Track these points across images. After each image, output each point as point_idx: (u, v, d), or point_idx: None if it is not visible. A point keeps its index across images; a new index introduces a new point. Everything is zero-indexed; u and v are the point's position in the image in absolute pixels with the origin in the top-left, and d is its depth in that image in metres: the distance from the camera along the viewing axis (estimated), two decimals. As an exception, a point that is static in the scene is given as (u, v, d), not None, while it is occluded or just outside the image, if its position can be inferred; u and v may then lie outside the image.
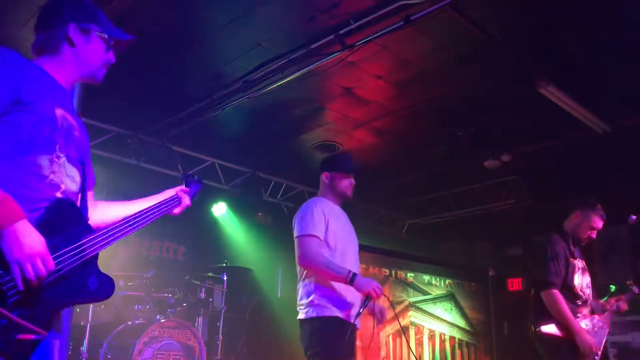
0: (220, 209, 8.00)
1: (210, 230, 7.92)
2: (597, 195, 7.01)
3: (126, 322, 5.37)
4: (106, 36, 2.12)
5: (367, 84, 5.60)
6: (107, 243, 1.96)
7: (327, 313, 3.31)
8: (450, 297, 8.29)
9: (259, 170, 7.98)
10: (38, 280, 1.67)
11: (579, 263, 4.23)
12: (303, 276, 3.54)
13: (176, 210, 2.42)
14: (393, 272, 7.81)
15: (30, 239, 1.66)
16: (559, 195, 7.33)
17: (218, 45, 5.03)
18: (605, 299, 4.64)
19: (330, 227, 3.53)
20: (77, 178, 2.00)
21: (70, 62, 2.05)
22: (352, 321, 3.36)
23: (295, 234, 3.56)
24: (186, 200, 2.47)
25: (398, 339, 7.48)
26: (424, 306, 7.94)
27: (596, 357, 3.92)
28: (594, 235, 4.29)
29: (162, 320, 5.35)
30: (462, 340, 8.18)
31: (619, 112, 5.88)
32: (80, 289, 1.85)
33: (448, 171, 7.63)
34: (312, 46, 4.87)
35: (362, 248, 6.67)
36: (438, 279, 8.20)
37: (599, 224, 4.26)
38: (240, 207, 8.09)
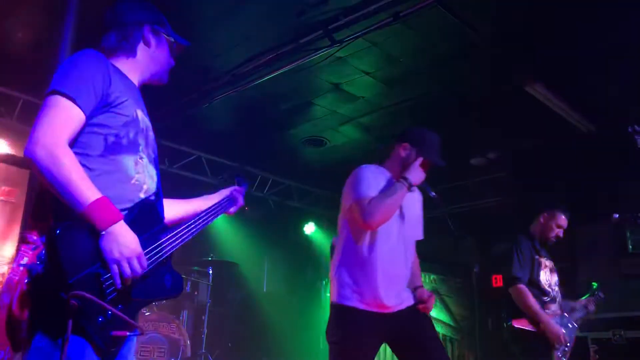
0: (206, 203, 7.95)
1: (196, 223, 7.87)
2: (581, 193, 7.11)
3: (110, 315, 5.34)
4: (172, 39, 2.21)
5: (355, 80, 5.61)
6: (181, 242, 2.05)
7: (345, 302, 2.89)
8: (434, 292, 8.33)
9: (245, 164, 7.96)
10: (134, 278, 1.75)
11: (546, 262, 4.33)
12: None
13: (232, 210, 2.51)
14: (379, 267, 7.84)
15: (128, 239, 1.74)
16: (545, 193, 7.40)
17: (206, 38, 5.01)
18: (586, 296, 4.72)
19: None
20: (155, 177, 2.07)
21: (144, 63, 2.13)
22: (384, 309, 2.89)
23: (348, 204, 3.04)
24: (241, 200, 2.55)
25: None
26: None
27: (566, 348, 4.01)
28: (561, 233, 4.39)
29: (146, 314, 5.33)
30: (446, 335, 8.23)
31: (604, 111, 5.94)
32: (158, 286, 1.92)
33: (434, 168, 7.65)
34: (301, 41, 4.87)
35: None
36: (423, 275, 8.22)
37: (565, 222, 4.37)
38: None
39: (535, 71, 5.23)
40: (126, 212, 1.84)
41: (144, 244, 1.81)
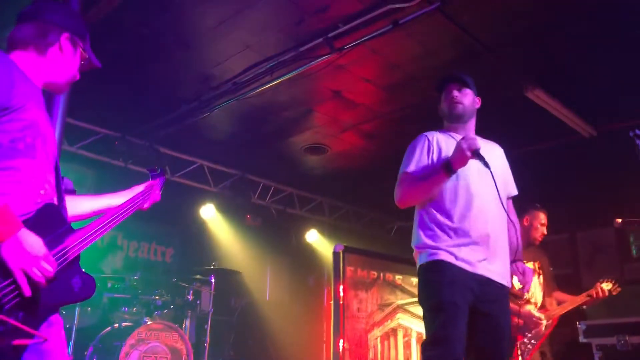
0: (208, 211, 7.97)
1: (198, 232, 7.89)
2: (583, 198, 7.10)
3: (112, 324, 5.34)
4: (87, 56, 2.16)
5: (356, 87, 5.62)
6: (88, 243, 1.98)
7: (434, 257, 2.75)
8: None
9: (247, 173, 7.97)
10: (47, 281, 1.71)
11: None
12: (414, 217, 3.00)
13: (145, 205, 2.40)
14: (381, 274, 7.82)
15: (31, 243, 1.69)
16: (546, 198, 7.39)
17: (207, 47, 5.02)
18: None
19: (439, 159, 2.88)
20: (53, 180, 2.02)
21: (51, 67, 2.05)
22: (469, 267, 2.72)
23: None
24: (155, 194, 2.46)
25: (386, 342, 7.49)
26: (412, 308, 7.95)
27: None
28: (545, 231, 4.64)
29: (149, 323, 5.32)
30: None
31: (605, 115, 5.94)
32: (66, 290, 1.87)
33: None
34: (301, 49, 4.88)
35: (350, 250, 6.71)
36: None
37: (545, 219, 4.63)
38: (229, 209, 8.08)
39: (536, 76, 5.23)
40: (27, 216, 1.80)
41: (48, 247, 1.78)
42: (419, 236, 2.87)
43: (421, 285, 2.84)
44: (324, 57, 4.85)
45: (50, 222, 1.88)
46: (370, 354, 7.32)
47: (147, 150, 6.83)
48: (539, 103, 5.44)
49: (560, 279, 4.93)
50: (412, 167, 2.91)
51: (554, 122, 5.84)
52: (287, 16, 4.55)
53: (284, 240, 8.87)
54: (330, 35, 4.67)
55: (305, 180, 8.40)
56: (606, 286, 4.65)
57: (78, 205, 2.23)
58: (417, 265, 2.88)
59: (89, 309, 5.45)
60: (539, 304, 4.51)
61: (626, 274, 6.91)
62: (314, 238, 9.15)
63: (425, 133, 3.06)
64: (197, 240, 7.86)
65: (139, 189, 2.41)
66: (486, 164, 2.76)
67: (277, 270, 8.90)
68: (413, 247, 2.93)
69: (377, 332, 7.41)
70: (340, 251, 6.53)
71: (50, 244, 1.79)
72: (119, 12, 4.43)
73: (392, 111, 6.10)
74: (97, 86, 5.46)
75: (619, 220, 4.63)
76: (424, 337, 2.76)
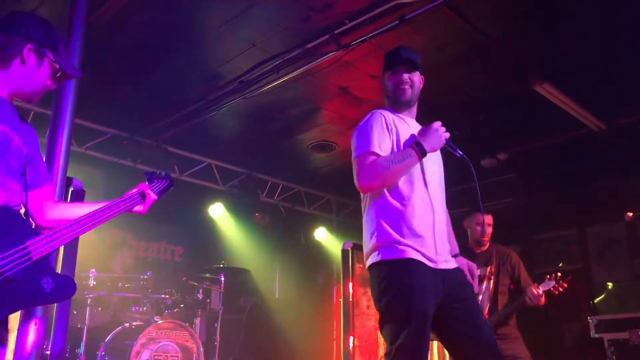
0: (217, 210, 7.98)
1: (207, 231, 7.90)
2: (593, 192, 7.06)
3: (123, 323, 5.36)
4: (57, 66, 2.16)
5: (363, 84, 5.60)
6: (55, 244, 1.99)
7: (402, 255, 2.51)
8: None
9: (255, 171, 7.97)
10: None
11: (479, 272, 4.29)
12: (365, 205, 2.77)
13: (138, 208, 2.39)
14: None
15: None
16: (556, 194, 7.35)
17: (213, 46, 5.03)
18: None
19: (399, 139, 2.72)
20: (16, 186, 2.04)
21: (15, 78, 2.09)
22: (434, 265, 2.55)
23: (352, 156, 2.74)
24: (151, 196, 2.44)
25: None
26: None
27: None
28: (488, 229, 4.46)
29: (159, 322, 5.33)
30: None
31: (615, 109, 5.90)
32: (33, 291, 1.88)
33: (444, 170, 7.64)
34: (308, 46, 4.87)
35: (360, 248, 6.69)
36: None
37: (481, 217, 4.43)
38: (237, 207, 8.08)
39: (544, 70, 5.20)
40: None
41: (3, 249, 1.80)
42: (380, 227, 2.58)
43: (383, 287, 2.50)
44: (330, 54, 4.85)
45: (6, 225, 1.90)
46: (380, 351, 7.32)
47: (155, 150, 6.84)
48: (548, 97, 5.41)
49: (571, 274, 4.87)
50: (375, 147, 2.61)
51: (563, 116, 5.80)
52: (293, 14, 4.54)
53: (292, 239, 8.87)
54: (336, 32, 4.66)
55: (313, 178, 8.40)
56: (545, 286, 4.43)
57: (71, 211, 2.25)
58: (374, 261, 2.58)
59: (99, 308, 5.47)
60: (483, 311, 4.28)
61: (636, 268, 6.86)
62: (323, 236, 9.15)
63: (379, 111, 2.86)
64: (206, 239, 7.88)
65: (131, 192, 2.40)
66: (459, 152, 2.74)
67: (286, 269, 8.91)
68: (369, 241, 2.63)
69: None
70: (349, 248, 6.52)
71: (5, 246, 1.82)
72: (124, 13, 4.44)
73: (400, 107, 6.07)
74: (104, 87, 5.48)
75: (630, 214, 4.60)
76: (387, 344, 2.47)
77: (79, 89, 3.40)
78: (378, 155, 2.58)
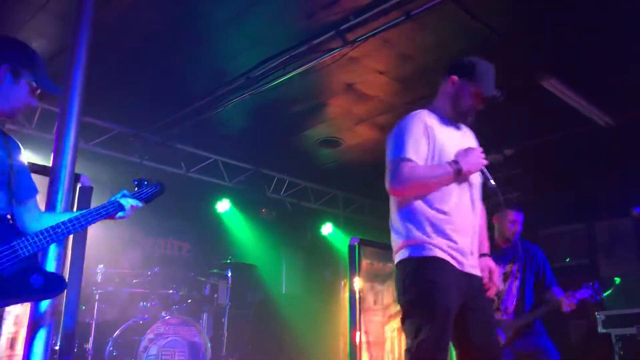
0: (224, 206, 8.02)
1: (214, 227, 7.93)
2: (601, 187, 7.03)
3: (131, 319, 5.39)
4: (34, 85, 2.26)
5: (369, 80, 5.60)
6: (42, 244, 2.12)
7: (429, 253, 2.54)
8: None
9: (262, 167, 7.99)
10: None
11: (500, 269, 4.27)
12: (395, 203, 2.81)
13: (120, 214, 2.44)
14: (397, 267, 7.82)
15: None
16: (563, 189, 7.33)
17: (219, 42, 5.04)
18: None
19: (437, 144, 2.70)
20: (3, 195, 2.18)
21: None
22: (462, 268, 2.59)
23: (387, 158, 2.78)
24: (130, 203, 2.48)
25: (403, 334, 7.49)
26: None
27: None
28: (518, 227, 4.36)
29: (167, 317, 5.36)
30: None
31: (622, 104, 5.86)
32: (21, 287, 2.02)
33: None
34: (313, 42, 4.87)
35: (366, 243, 6.71)
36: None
37: (514, 215, 4.37)
38: (244, 203, 8.11)
39: (551, 65, 5.17)
40: None
41: None
42: (408, 227, 2.62)
43: (408, 283, 2.55)
44: (336, 50, 4.85)
45: None
46: (388, 346, 7.33)
47: (162, 147, 6.87)
48: (554, 92, 5.39)
49: (578, 269, 4.86)
50: (411, 154, 2.62)
51: (570, 111, 5.78)
52: (299, 10, 4.54)
53: (299, 234, 8.89)
54: (342, 27, 4.66)
55: (320, 174, 8.40)
56: (582, 294, 4.40)
57: (53, 220, 2.32)
58: (401, 258, 2.61)
59: (108, 304, 5.51)
60: (509, 310, 4.24)
61: (645, 263, 6.84)
62: (329, 231, 9.16)
63: (419, 113, 2.83)
64: (213, 234, 7.91)
65: (113, 200, 2.47)
66: (492, 184, 2.79)
67: (293, 264, 8.93)
68: (398, 239, 2.67)
69: (394, 325, 7.41)
70: (356, 244, 6.51)
71: None
72: (131, 10, 4.46)
73: (406, 103, 6.06)
74: (111, 84, 5.50)
75: (637, 210, 4.57)
76: (408, 340, 2.53)
77: (86, 86, 3.41)
78: (412, 162, 2.61)
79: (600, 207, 7.17)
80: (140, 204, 2.53)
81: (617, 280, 6.87)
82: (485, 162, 2.72)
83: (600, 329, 5.35)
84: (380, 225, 10.25)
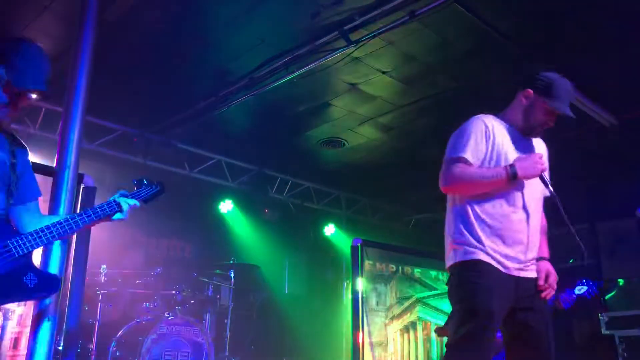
0: (226, 206, 8.01)
1: (217, 227, 7.93)
2: (604, 187, 7.01)
3: (134, 319, 5.39)
4: (5, 78, 2.23)
5: (373, 80, 5.59)
6: (37, 244, 2.13)
7: (473, 256, 2.61)
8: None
9: (265, 167, 7.99)
10: None
11: None
12: (450, 206, 2.85)
13: (118, 215, 2.43)
14: (400, 268, 7.80)
15: None
16: (566, 189, 7.30)
17: (223, 42, 5.03)
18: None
19: (496, 148, 2.73)
20: (2, 198, 2.21)
21: None
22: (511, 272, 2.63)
23: (445, 156, 2.80)
24: (128, 203, 2.48)
25: (406, 335, 7.48)
26: (431, 302, 7.92)
27: None
28: None
29: (170, 318, 5.36)
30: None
31: (626, 105, 5.84)
32: (15, 286, 2.04)
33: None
34: (317, 42, 4.87)
35: (368, 244, 6.70)
36: (445, 275, 8.16)
37: None
38: (247, 204, 8.11)
39: (555, 65, 5.15)
40: None
41: None
42: (458, 230, 2.70)
43: (455, 285, 2.68)
44: (340, 50, 4.84)
45: None
46: (390, 348, 7.32)
47: (165, 147, 6.87)
48: (559, 92, 5.37)
49: (581, 270, 4.85)
50: (468, 153, 2.65)
51: (574, 111, 5.75)
52: (302, 10, 4.54)
53: (301, 235, 8.88)
54: (346, 27, 4.65)
55: (322, 174, 8.40)
56: (580, 290, 4.39)
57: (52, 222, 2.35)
58: (452, 262, 2.71)
59: (111, 304, 5.51)
60: None
61: (648, 264, 6.82)
62: (332, 232, 9.15)
63: (481, 117, 2.86)
64: (216, 235, 7.90)
65: (110, 200, 2.47)
66: (550, 189, 2.79)
67: (296, 265, 8.92)
68: (447, 243, 2.78)
69: (397, 326, 7.40)
70: (359, 245, 6.51)
71: None
72: (135, 10, 4.46)
73: (410, 103, 6.06)
74: (115, 84, 5.50)
75: (641, 210, 4.55)
76: (449, 336, 2.64)
77: (89, 86, 3.42)
78: (468, 162, 2.64)
79: (604, 207, 7.15)
80: (138, 204, 2.53)
81: (621, 281, 6.85)
82: (544, 167, 2.71)
83: (604, 331, 5.33)
84: (383, 226, 10.29)
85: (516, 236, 2.65)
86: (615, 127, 6.12)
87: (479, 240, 2.61)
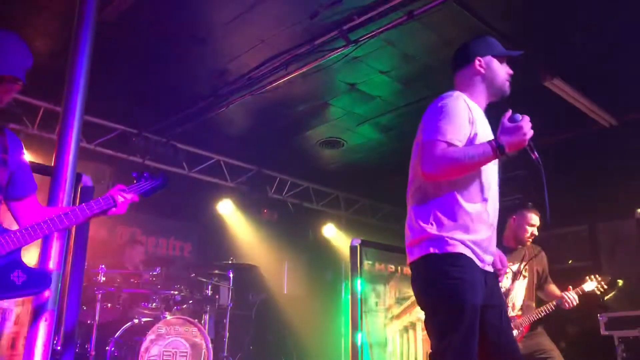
0: (225, 206, 8.00)
1: (216, 227, 7.92)
2: (604, 189, 7.01)
3: (133, 319, 5.38)
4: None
5: (372, 80, 5.59)
6: (26, 240, 2.09)
7: (454, 249, 2.36)
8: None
9: (264, 167, 7.98)
10: None
11: (512, 267, 4.30)
12: (419, 193, 2.61)
13: (113, 210, 2.39)
14: (399, 268, 7.80)
15: None
16: (566, 190, 7.30)
17: (222, 42, 5.02)
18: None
19: (477, 130, 2.53)
20: None
21: None
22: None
23: (421, 138, 2.51)
24: (125, 197, 2.44)
25: (405, 335, 7.47)
26: (430, 302, 7.91)
27: None
28: (535, 231, 4.35)
29: (168, 318, 5.35)
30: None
31: (626, 105, 5.84)
32: (2, 283, 2.00)
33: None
34: (316, 42, 4.86)
35: (367, 244, 6.69)
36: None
37: (536, 220, 4.33)
38: (246, 204, 8.10)
39: (555, 66, 5.16)
40: None
41: None
42: (436, 219, 2.41)
43: (431, 280, 2.38)
44: (339, 50, 4.83)
45: None
46: (389, 348, 7.31)
47: (164, 146, 6.86)
48: (558, 93, 5.37)
49: (581, 271, 4.84)
50: (451, 136, 2.37)
51: (573, 112, 5.76)
52: (301, 9, 4.53)
53: (300, 235, 8.88)
54: (345, 27, 4.64)
55: (322, 175, 8.39)
56: (588, 286, 4.37)
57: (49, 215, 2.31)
58: (421, 254, 2.41)
59: (109, 304, 5.50)
60: (516, 308, 4.29)
61: (648, 265, 6.81)
62: (331, 232, 9.14)
63: (459, 94, 2.62)
64: (214, 235, 7.90)
65: (106, 195, 2.43)
66: (535, 155, 2.54)
67: (295, 265, 8.91)
68: (418, 232, 2.46)
69: (396, 326, 7.39)
70: (358, 245, 6.50)
71: None
72: (134, 10, 4.45)
73: (409, 103, 6.06)
74: (114, 83, 5.50)
75: (640, 211, 4.56)
76: (434, 344, 2.35)
77: (88, 86, 3.41)
78: (450, 143, 2.36)
79: (603, 208, 7.14)
80: (136, 198, 2.47)
81: (620, 282, 6.84)
82: (530, 133, 2.44)
83: (603, 331, 5.32)
84: (382, 226, 10.30)
85: (488, 227, 2.47)
86: (614, 128, 6.12)
87: (459, 232, 2.36)
